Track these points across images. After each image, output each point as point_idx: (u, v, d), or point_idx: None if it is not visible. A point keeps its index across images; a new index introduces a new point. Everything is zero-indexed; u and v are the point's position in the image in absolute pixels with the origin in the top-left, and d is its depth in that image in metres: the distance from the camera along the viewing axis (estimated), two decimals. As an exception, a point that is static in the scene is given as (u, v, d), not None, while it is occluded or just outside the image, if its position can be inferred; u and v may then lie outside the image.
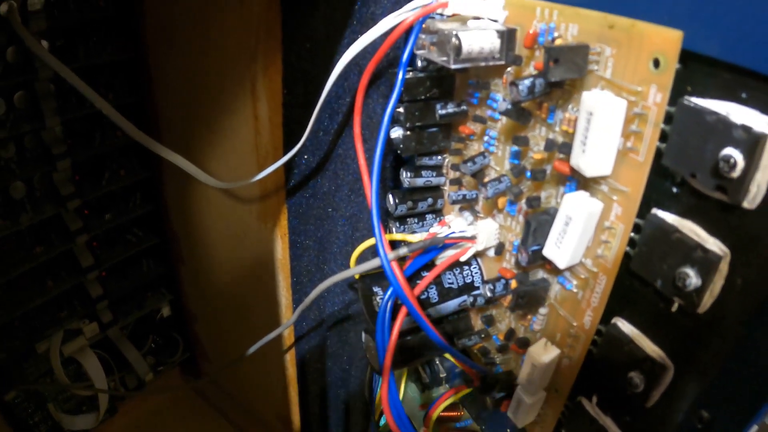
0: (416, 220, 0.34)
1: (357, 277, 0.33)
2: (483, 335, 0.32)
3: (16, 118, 0.41)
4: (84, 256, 0.47)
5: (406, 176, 0.32)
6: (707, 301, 0.21)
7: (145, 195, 0.50)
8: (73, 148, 0.44)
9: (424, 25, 0.26)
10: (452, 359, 0.33)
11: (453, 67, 0.25)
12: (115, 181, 0.47)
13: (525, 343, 0.29)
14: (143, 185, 0.50)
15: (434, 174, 0.32)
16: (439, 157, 0.32)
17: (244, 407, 0.55)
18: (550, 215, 0.25)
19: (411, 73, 0.29)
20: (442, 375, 0.35)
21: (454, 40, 0.24)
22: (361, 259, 0.34)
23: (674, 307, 0.22)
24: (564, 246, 0.24)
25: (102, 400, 0.48)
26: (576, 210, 0.23)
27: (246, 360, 0.44)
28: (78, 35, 0.43)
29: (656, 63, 0.20)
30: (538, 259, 0.26)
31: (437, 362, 0.36)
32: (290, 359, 0.44)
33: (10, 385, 0.44)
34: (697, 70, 0.20)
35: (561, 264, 0.24)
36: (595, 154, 0.22)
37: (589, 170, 0.22)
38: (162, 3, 0.42)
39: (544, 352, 0.27)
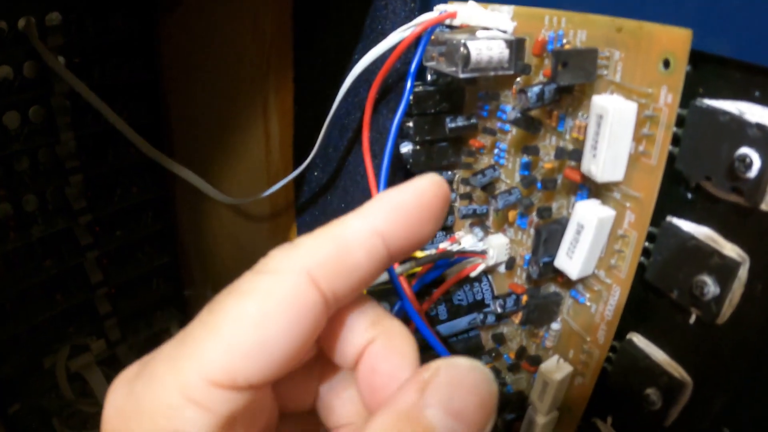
0: (425, 236, 0.33)
1: (364, 292, 0.32)
2: (494, 354, 0.31)
3: (31, 132, 0.42)
4: (94, 272, 0.47)
5: (415, 190, 0.32)
6: (726, 310, 0.20)
7: (156, 213, 0.51)
8: (87, 163, 0.45)
9: (432, 37, 0.27)
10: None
11: (462, 76, 0.25)
12: (127, 198, 0.48)
13: (536, 361, 0.28)
14: (155, 204, 0.51)
15: (444, 188, 0.32)
16: (449, 173, 0.32)
17: None
18: (562, 225, 0.24)
19: (420, 86, 0.29)
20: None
21: (462, 49, 0.24)
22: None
23: (692, 319, 0.22)
24: (576, 256, 0.23)
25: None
26: (587, 217, 0.23)
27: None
28: (95, 54, 0.45)
29: (666, 63, 0.20)
30: (550, 272, 0.25)
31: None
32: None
33: (15, 399, 0.43)
34: (708, 71, 0.19)
35: (573, 275, 0.24)
36: (606, 158, 0.21)
37: (600, 175, 0.22)
38: (178, 26, 0.44)
39: (556, 370, 0.26)
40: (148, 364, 0.14)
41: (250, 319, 0.13)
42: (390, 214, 0.15)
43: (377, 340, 0.16)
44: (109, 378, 0.49)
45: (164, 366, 0.14)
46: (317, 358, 0.17)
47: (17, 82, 0.41)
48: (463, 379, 0.14)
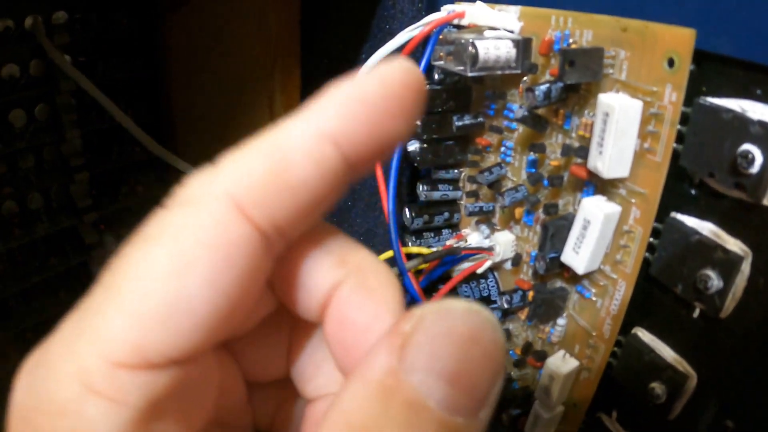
0: (432, 235, 0.34)
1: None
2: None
3: (36, 130, 0.43)
4: (98, 271, 0.47)
5: (422, 190, 0.32)
6: (729, 304, 0.21)
7: (161, 212, 0.51)
8: (91, 161, 0.45)
9: (440, 36, 0.27)
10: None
11: (470, 75, 0.25)
12: (132, 197, 0.48)
13: (542, 357, 0.28)
14: (159, 202, 0.51)
15: (451, 188, 0.32)
16: (456, 171, 0.33)
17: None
18: (568, 221, 0.25)
19: (428, 85, 0.30)
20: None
21: (470, 48, 0.25)
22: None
23: (696, 313, 0.22)
24: (582, 251, 0.24)
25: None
26: (594, 213, 0.23)
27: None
28: (100, 52, 0.45)
29: (671, 62, 0.20)
30: (556, 267, 0.26)
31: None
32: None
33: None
34: (711, 70, 0.20)
35: (580, 269, 0.24)
36: (612, 154, 0.22)
37: (606, 171, 0.22)
38: (183, 24, 0.44)
39: (562, 364, 0.27)
40: (47, 348, 0.11)
41: (160, 272, 0.10)
42: (344, 110, 0.11)
43: (346, 283, 0.12)
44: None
45: (60, 349, 0.11)
46: (282, 314, 0.14)
47: (23, 80, 0.41)
48: (457, 327, 0.10)
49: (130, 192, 0.48)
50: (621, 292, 0.24)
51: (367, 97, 0.11)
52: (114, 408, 0.10)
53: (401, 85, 0.11)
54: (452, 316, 0.10)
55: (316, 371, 0.14)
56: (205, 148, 0.46)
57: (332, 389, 0.14)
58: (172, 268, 0.10)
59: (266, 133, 0.11)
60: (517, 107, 0.27)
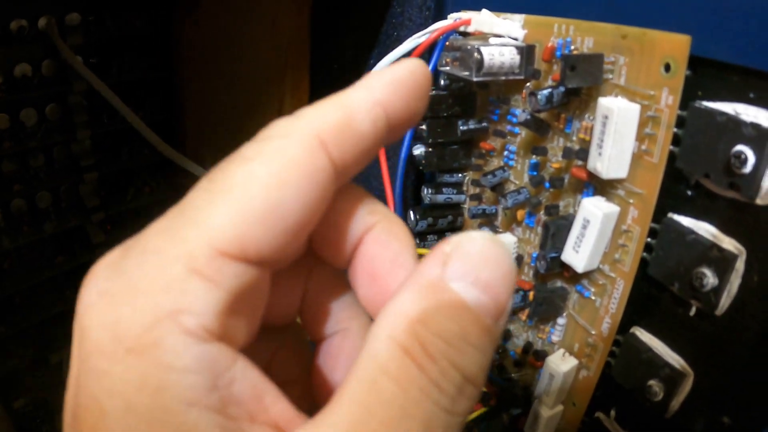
0: (436, 237, 0.34)
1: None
2: (500, 350, 0.32)
3: (47, 129, 0.43)
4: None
5: (427, 193, 0.33)
6: (725, 301, 0.21)
7: (167, 214, 0.52)
8: (101, 162, 0.46)
9: (447, 43, 0.28)
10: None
11: (475, 80, 0.26)
12: (140, 198, 0.49)
13: (542, 356, 0.29)
14: (167, 204, 0.51)
15: (455, 191, 0.33)
16: (460, 175, 0.33)
17: None
18: (569, 221, 0.26)
19: (434, 91, 0.31)
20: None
21: (476, 54, 0.26)
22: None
23: (692, 311, 0.23)
24: (582, 250, 0.25)
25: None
26: (593, 212, 0.24)
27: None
28: (113, 53, 0.46)
29: (667, 67, 0.21)
30: (557, 266, 0.26)
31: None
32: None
33: (20, 393, 0.44)
34: (706, 75, 0.21)
35: (579, 268, 0.25)
36: (611, 155, 0.23)
37: (605, 172, 0.23)
38: (196, 26, 0.45)
39: (562, 363, 0.27)
40: (137, 242, 0.12)
41: (261, 182, 0.12)
42: (389, 87, 0.14)
43: (376, 227, 0.15)
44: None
45: (161, 239, 0.12)
46: (300, 266, 0.16)
47: (35, 79, 0.42)
48: (485, 251, 0.13)
49: (138, 193, 0.49)
50: (619, 290, 0.25)
51: (403, 82, 0.15)
52: (212, 289, 0.12)
53: (422, 75, 0.15)
54: (480, 242, 0.13)
55: (329, 311, 0.17)
56: (215, 151, 0.47)
57: (344, 326, 0.17)
58: (271, 181, 0.12)
59: (336, 94, 0.14)
60: (520, 112, 0.28)
